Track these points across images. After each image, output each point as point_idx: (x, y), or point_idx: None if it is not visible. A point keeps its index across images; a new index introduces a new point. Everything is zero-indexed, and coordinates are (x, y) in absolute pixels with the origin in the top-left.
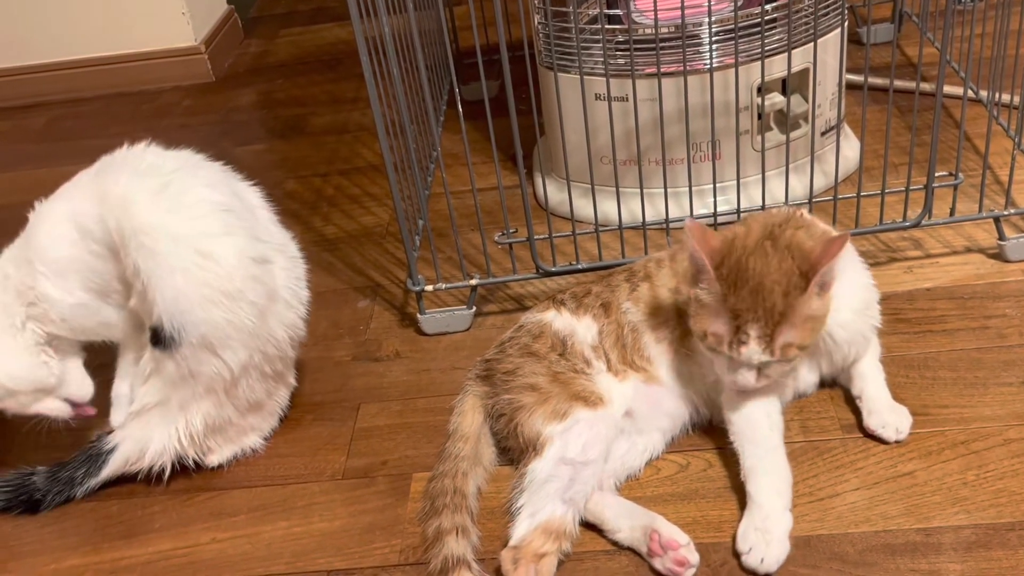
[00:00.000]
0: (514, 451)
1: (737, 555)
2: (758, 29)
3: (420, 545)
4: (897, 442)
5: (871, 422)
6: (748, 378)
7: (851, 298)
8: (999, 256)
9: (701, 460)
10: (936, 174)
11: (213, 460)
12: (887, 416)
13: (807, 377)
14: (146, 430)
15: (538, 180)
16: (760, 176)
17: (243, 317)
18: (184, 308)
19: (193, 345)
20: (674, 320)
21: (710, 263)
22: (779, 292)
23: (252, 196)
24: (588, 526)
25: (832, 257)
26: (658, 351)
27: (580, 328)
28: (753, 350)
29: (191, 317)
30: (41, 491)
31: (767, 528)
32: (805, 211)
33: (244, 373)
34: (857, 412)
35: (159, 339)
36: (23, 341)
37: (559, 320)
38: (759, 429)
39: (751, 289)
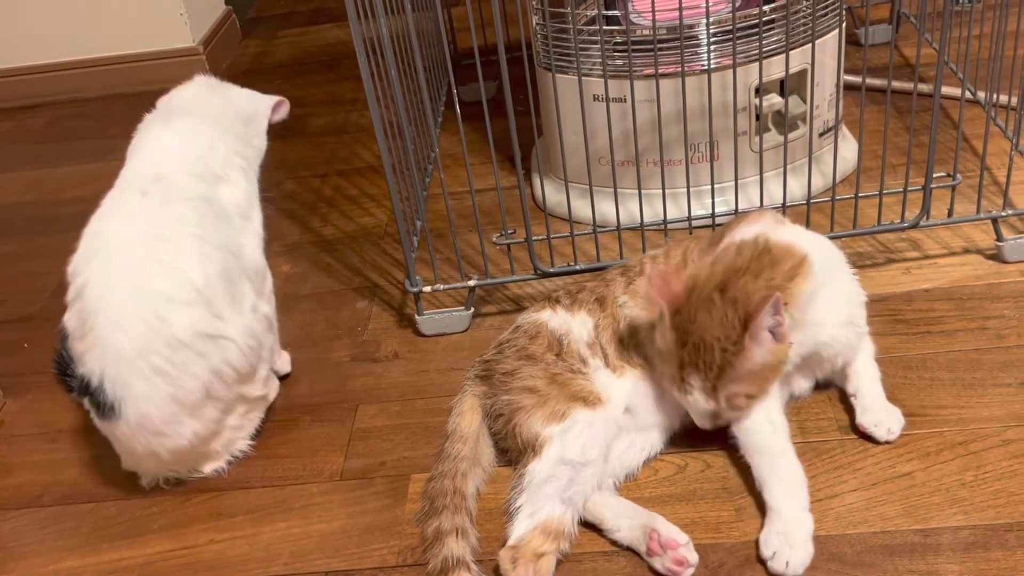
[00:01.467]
0: (512, 451)
1: (762, 561)
2: (756, 30)
3: (418, 546)
4: (888, 442)
5: (865, 420)
6: (703, 421)
7: (835, 313)
8: (997, 257)
9: (699, 461)
10: (934, 175)
11: (207, 470)
12: (881, 415)
13: (801, 383)
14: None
15: (536, 181)
16: (758, 177)
17: (187, 393)
18: (124, 377)
19: (132, 425)
20: None
21: (668, 310)
22: (718, 348)
23: (246, 295)
24: (587, 526)
25: (759, 314)
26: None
27: (575, 325)
28: (697, 399)
29: (131, 391)
30: None
31: (788, 532)
32: (783, 233)
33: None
34: (852, 411)
35: (94, 398)
36: None
37: (554, 319)
38: (763, 437)
39: (694, 344)
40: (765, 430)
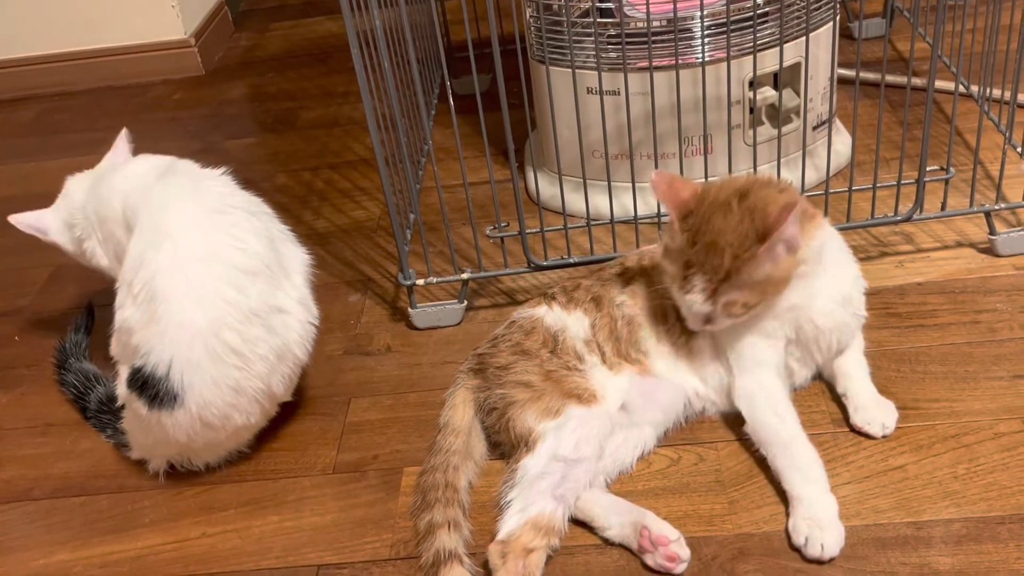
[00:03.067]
0: (505, 446)
1: (796, 549)
2: (750, 23)
3: (411, 539)
4: (884, 437)
5: (857, 419)
6: (695, 323)
7: (834, 289)
8: (990, 250)
9: (692, 454)
10: (927, 168)
11: (200, 465)
12: (873, 412)
13: (801, 372)
14: (139, 454)
15: (530, 174)
16: (752, 170)
17: (252, 380)
18: (196, 359)
19: (192, 414)
20: (673, 316)
21: (676, 214)
22: (729, 254)
23: (295, 257)
24: (580, 522)
25: (782, 222)
26: (656, 348)
27: (571, 322)
28: (695, 300)
29: (200, 376)
30: (91, 409)
31: (814, 515)
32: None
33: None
34: (846, 410)
35: (151, 389)
36: None
37: (550, 315)
38: (770, 428)
39: (705, 245)
40: (771, 422)
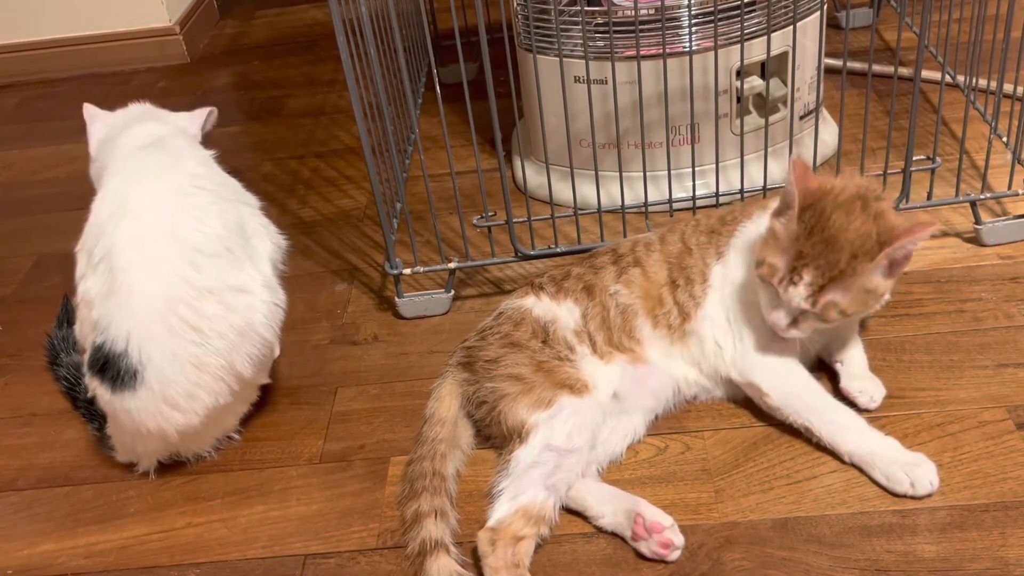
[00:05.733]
0: (496, 438)
1: (903, 496)
2: (738, 12)
3: (398, 529)
4: (867, 410)
5: (850, 385)
6: (780, 319)
7: None
8: (975, 240)
9: (679, 443)
10: (914, 158)
11: (190, 456)
12: (866, 383)
13: (815, 348)
14: (125, 455)
15: (517, 163)
16: (739, 160)
17: (211, 356)
18: (153, 332)
19: (154, 392)
20: (671, 300)
21: (799, 202)
22: (848, 252)
23: (266, 248)
24: (571, 511)
25: (914, 236)
26: (652, 335)
27: (562, 313)
28: (797, 294)
29: (158, 348)
30: (80, 400)
31: (898, 459)
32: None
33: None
34: (836, 378)
35: (112, 369)
36: None
37: (539, 306)
38: (806, 395)
39: (824, 239)
40: (806, 390)
